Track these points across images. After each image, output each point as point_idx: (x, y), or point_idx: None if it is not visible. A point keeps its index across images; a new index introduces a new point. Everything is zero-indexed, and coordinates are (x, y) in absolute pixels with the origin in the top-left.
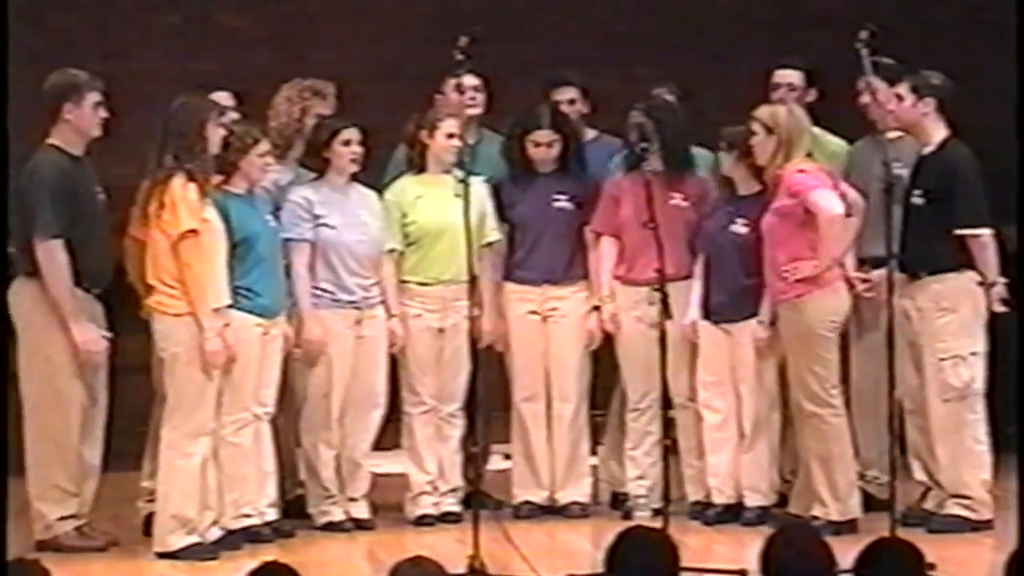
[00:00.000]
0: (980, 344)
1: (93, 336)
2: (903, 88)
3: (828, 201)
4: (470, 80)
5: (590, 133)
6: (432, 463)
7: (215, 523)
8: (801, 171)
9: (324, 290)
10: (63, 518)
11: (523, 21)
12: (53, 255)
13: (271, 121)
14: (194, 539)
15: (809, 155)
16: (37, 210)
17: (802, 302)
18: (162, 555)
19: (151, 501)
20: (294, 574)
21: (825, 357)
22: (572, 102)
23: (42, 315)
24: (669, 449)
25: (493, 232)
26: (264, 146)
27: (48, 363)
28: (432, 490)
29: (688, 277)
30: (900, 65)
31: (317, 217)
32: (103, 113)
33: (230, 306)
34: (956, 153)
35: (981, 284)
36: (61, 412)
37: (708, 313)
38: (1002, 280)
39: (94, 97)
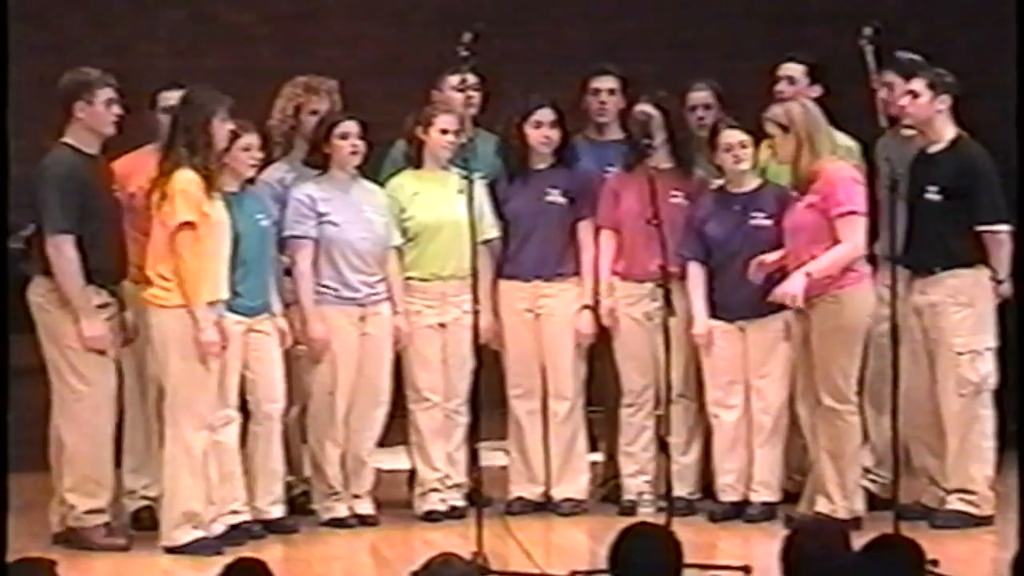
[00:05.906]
0: (993, 340)
1: (100, 333)
2: (919, 84)
3: (862, 235)
4: (471, 78)
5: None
6: (440, 459)
7: (214, 520)
8: (855, 179)
9: (328, 287)
10: (93, 511)
11: (524, 17)
12: (61, 250)
13: (271, 119)
14: (199, 534)
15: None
16: (46, 206)
17: (845, 294)
18: (169, 550)
19: (135, 496)
20: (266, 571)
21: (855, 351)
22: (612, 92)
23: (55, 311)
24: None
25: (491, 229)
26: (247, 139)
27: (68, 357)
28: (440, 486)
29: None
30: (917, 59)
31: (321, 215)
32: (116, 110)
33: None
34: (973, 150)
35: (992, 279)
36: (90, 405)
37: (718, 311)
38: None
39: (106, 94)
